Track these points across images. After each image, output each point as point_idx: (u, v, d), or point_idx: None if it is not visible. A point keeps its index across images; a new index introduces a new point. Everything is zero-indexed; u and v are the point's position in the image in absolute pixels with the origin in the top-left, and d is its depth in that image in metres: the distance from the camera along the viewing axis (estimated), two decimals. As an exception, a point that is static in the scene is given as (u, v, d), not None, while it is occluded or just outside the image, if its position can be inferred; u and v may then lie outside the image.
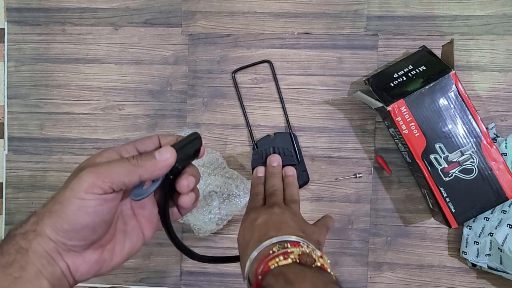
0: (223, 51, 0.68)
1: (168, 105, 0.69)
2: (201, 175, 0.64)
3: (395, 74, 0.60)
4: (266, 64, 0.67)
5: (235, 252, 0.42)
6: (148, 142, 0.35)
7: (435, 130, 0.56)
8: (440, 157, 0.57)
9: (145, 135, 0.69)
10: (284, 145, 0.65)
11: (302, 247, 0.35)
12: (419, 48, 0.64)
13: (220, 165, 0.65)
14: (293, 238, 0.37)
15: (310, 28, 0.67)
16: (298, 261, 0.34)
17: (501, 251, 0.58)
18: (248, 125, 0.67)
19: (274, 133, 0.67)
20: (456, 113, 0.56)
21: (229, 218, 0.65)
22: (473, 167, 0.56)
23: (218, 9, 0.68)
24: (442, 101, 0.56)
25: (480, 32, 0.65)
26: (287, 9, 0.67)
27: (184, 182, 0.34)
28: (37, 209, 0.31)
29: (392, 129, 0.60)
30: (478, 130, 0.56)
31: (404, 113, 0.56)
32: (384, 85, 0.60)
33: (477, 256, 0.62)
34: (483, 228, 0.62)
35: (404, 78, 0.59)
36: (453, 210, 0.57)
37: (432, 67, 0.58)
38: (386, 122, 0.63)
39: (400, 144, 0.61)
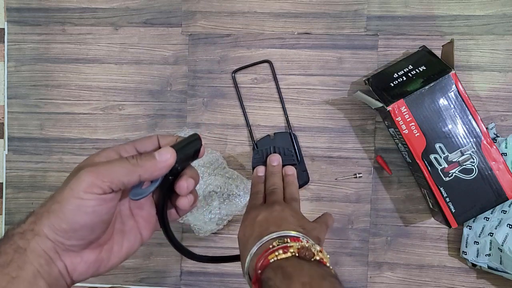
0: (223, 51, 0.68)
1: (168, 105, 0.69)
2: (201, 175, 0.64)
3: (395, 74, 0.60)
4: (266, 64, 0.67)
5: (236, 252, 0.42)
6: (147, 142, 0.35)
7: (435, 130, 0.56)
8: (440, 157, 0.57)
9: (145, 135, 0.69)
10: (284, 145, 0.65)
11: (301, 242, 0.36)
12: (419, 48, 0.63)
13: (220, 165, 0.65)
14: (293, 233, 0.37)
15: (310, 28, 0.67)
16: (297, 255, 0.34)
17: (501, 251, 0.58)
18: (248, 125, 0.67)
19: (274, 133, 0.67)
20: (456, 113, 0.56)
21: (229, 218, 0.65)
22: (473, 167, 0.56)
23: (218, 9, 0.68)
24: (442, 101, 0.56)
25: (480, 32, 0.65)
26: (287, 9, 0.67)
27: (184, 184, 0.34)
28: (35, 209, 0.31)
29: (392, 129, 0.60)
30: (478, 130, 0.56)
31: (404, 113, 0.56)
32: (384, 85, 0.60)
33: (477, 256, 0.62)
34: (483, 228, 0.62)
35: (404, 78, 0.59)
36: (453, 210, 0.57)
37: (432, 67, 0.58)
38: (386, 122, 0.63)
39: (400, 144, 0.61)
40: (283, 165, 0.55)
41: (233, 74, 0.67)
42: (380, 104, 0.57)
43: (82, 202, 0.29)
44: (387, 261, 0.67)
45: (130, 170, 0.31)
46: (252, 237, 0.39)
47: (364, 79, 0.65)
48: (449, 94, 0.56)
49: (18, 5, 0.70)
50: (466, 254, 0.63)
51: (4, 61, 0.71)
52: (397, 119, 0.56)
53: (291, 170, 0.54)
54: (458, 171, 0.57)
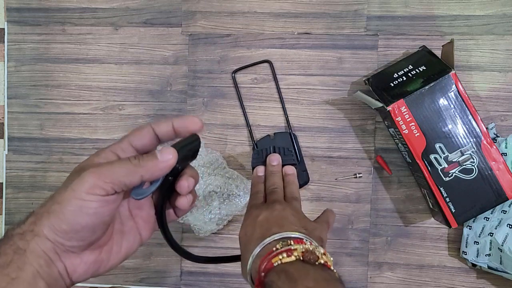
0: (223, 51, 0.68)
1: (168, 105, 0.69)
2: (201, 175, 0.64)
3: (395, 74, 0.60)
4: (266, 64, 0.67)
5: (236, 252, 0.42)
6: (142, 135, 0.34)
7: (435, 130, 0.56)
8: (440, 157, 0.57)
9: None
10: (284, 145, 0.65)
11: (305, 244, 0.35)
12: (419, 48, 0.63)
13: (220, 165, 0.65)
14: (296, 234, 0.37)
15: (310, 28, 0.67)
16: (301, 258, 0.34)
17: (501, 251, 0.58)
18: (248, 125, 0.67)
19: (274, 133, 0.67)
20: (456, 113, 0.56)
21: (229, 218, 0.65)
22: (473, 167, 0.56)
23: (218, 9, 0.68)
24: (442, 101, 0.56)
25: (480, 32, 0.65)
26: (287, 9, 0.67)
27: (185, 183, 0.34)
28: (34, 209, 0.31)
29: (392, 129, 0.60)
30: (478, 130, 0.56)
31: (404, 113, 0.56)
32: (384, 85, 0.60)
33: (477, 256, 0.62)
34: (483, 228, 0.62)
35: (404, 78, 0.59)
36: (453, 210, 0.57)
37: (432, 67, 0.58)
38: (386, 122, 0.63)
39: (400, 144, 0.61)
40: (283, 165, 0.55)
41: (233, 74, 0.67)
42: (380, 104, 0.57)
43: (84, 204, 0.29)
44: (387, 261, 0.67)
45: (132, 170, 0.31)
46: (254, 237, 0.39)
47: (364, 79, 0.65)
48: (449, 94, 0.56)
49: (18, 5, 0.70)
50: (466, 254, 0.63)
51: (4, 61, 0.71)
52: (397, 119, 0.56)
53: (291, 170, 0.54)
54: (458, 171, 0.57)
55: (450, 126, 0.56)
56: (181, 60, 0.69)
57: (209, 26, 0.68)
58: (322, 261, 0.34)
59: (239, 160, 0.68)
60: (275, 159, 0.55)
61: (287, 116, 0.67)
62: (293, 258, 0.33)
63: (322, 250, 0.35)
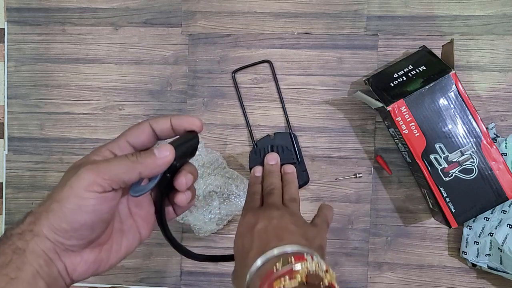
0: (223, 51, 0.68)
1: (168, 105, 0.69)
2: (201, 175, 0.64)
3: (395, 74, 0.60)
4: (266, 64, 0.67)
5: (235, 252, 0.42)
6: (139, 132, 0.34)
7: (435, 130, 0.56)
8: (440, 157, 0.57)
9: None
10: (284, 145, 0.65)
11: (306, 260, 0.33)
12: (419, 48, 0.63)
13: (220, 165, 0.65)
14: (296, 248, 0.35)
15: (310, 28, 0.67)
16: (305, 282, 0.32)
17: (501, 251, 0.58)
18: (248, 125, 0.67)
19: (274, 133, 0.67)
20: (456, 113, 0.56)
21: (229, 218, 0.65)
22: (473, 167, 0.56)
23: (218, 9, 0.68)
24: (442, 101, 0.56)
25: (480, 32, 0.65)
26: (287, 9, 0.67)
27: (183, 179, 0.34)
28: (33, 209, 0.31)
29: (392, 129, 0.60)
30: (478, 130, 0.56)
31: (404, 113, 0.56)
32: (384, 85, 0.60)
33: (477, 256, 0.62)
34: (483, 228, 0.62)
35: (404, 78, 0.59)
36: (453, 210, 0.57)
37: (432, 67, 0.58)
38: (386, 122, 0.63)
39: (400, 144, 0.61)
40: (282, 164, 0.53)
41: (233, 74, 0.67)
42: (380, 104, 0.57)
43: (83, 201, 0.29)
44: (387, 261, 0.67)
45: (130, 167, 0.31)
46: (251, 251, 0.37)
47: (364, 79, 0.65)
48: (449, 94, 0.56)
49: (18, 5, 0.70)
50: (466, 254, 0.63)
51: (4, 61, 0.71)
52: (397, 119, 0.56)
53: (290, 168, 0.52)
54: (458, 171, 0.57)
55: (450, 126, 0.56)
56: (181, 60, 0.69)
57: (209, 26, 0.68)
58: (326, 282, 0.32)
59: (239, 160, 0.68)
60: (273, 158, 0.53)
61: (287, 116, 0.67)
62: (296, 283, 0.31)
63: (324, 267, 0.33)
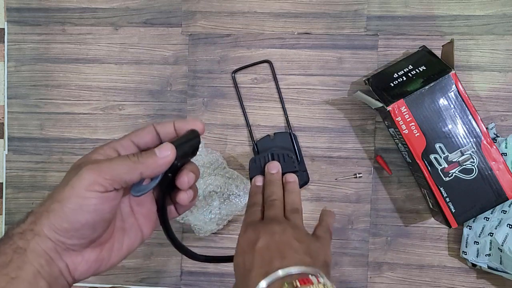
0: (223, 51, 0.68)
1: (168, 105, 0.69)
2: (201, 175, 0.64)
3: (395, 74, 0.60)
4: (266, 64, 0.67)
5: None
6: (144, 133, 0.34)
7: (435, 130, 0.56)
8: (440, 157, 0.57)
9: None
10: (284, 145, 0.65)
11: (312, 283, 0.32)
12: (419, 48, 0.64)
13: (220, 165, 0.65)
14: (301, 269, 0.33)
15: (310, 28, 0.67)
16: None
17: (501, 251, 0.58)
18: (248, 125, 0.67)
19: (274, 133, 0.67)
20: (456, 113, 0.56)
21: (230, 218, 0.65)
22: (473, 167, 0.56)
23: (218, 9, 0.68)
24: (442, 101, 0.56)
25: (480, 32, 0.65)
26: (287, 9, 0.67)
27: (185, 178, 0.34)
28: (34, 208, 0.31)
29: (392, 129, 0.60)
30: (478, 130, 0.56)
31: (404, 113, 0.56)
32: (384, 85, 0.60)
33: (477, 256, 0.62)
34: (483, 228, 0.62)
35: (404, 78, 0.59)
36: (453, 210, 0.57)
37: (432, 67, 0.58)
38: (386, 122, 0.63)
39: (400, 144, 0.61)
40: (283, 173, 0.50)
41: (233, 74, 0.67)
42: (380, 104, 0.57)
43: (84, 201, 0.29)
44: (387, 261, 0.67)
45: (131, 167, 0.31)
46: (253, 270, 0.35)
47: (364, 79, 0.65)
48: (449, 94, 0.56)
49: (18, 5, 0.70)
50: (466, 254, 0.63)
51: (4, 61, 0.71)
52: (397, 119, 0.56)
53: (292, 178, 0.49)
54: (458, 171, 0.57)
55: (450, 126, 0.56)
56: (181, 60, 0.69)
57: (209, 26, 0.68)
58: None
59: (239, 160, 0.68)
60: (274, 167, 0.51)
61: (287, 116, 0.67)
62: None
63: (329, 286, 0.32)
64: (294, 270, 0.33)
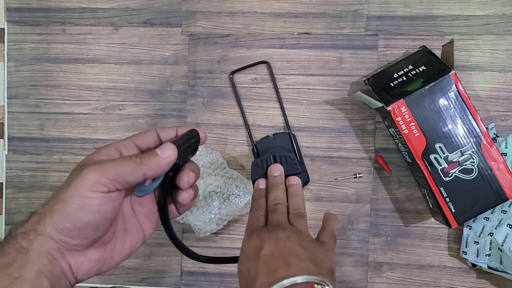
0: (223, 51, 0.68)
1: (168, 105, 0.69)
2: (201, 175, 0.64)
3: (395, 74, 0.60)
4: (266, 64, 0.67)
5: (235, 252, 0.42)
6: (146, 136, 0.35)
7: (435, 130, 0.56)
8: (440, 157, 0.57)
9: (145, 135, 0.69)
10: (283, 145, 0.65)
11: None
12: (419, 48, 0.64)
13: (220, 165, 0.65)
14: (306, 278, 0.33)
15: (310, 28, 0.67)
16: None
17: (501, 251, 0.58)
18: (247, 126, 0.67)
19: (273, 134, 0.67)
20: (456, 113, 0.56)
21: (230, 218, 0.65)
22: (473, 167, 0.56)
23: (218, 9, 0.68)
24: (442, 101, 0.56)
25: (480, 32, 0.65)
26: (287, 9, 0.67)
27: (185, 178, 0.35)
28: (37, 208, 0.31)
29: (392, 129, 0.60)
30: (478, 130, 0.56)
31: (404, 113, 0.56)
32: (384, 85, 0.60)
33: (477, 256, 0.62)
34: (483, 228, 0.62)
35: (404, 78, 0.59)
36: (453, 210, 0.57)
37: (432, 67, 0.58)
38: (386, 122, 0.63)
39: (400, 144, 0.61)
40: (286, 175, 0.50)
41: (231, 76, 0.67)
42: (380, 104, 0.57)
43: (87, 201, 0.29)
44: (387, 261, 0.67)
45: (134, 168, 0.31)
46: (258, 279, 0.34)
47: (364, 79, 0.65)
48: (449, 94, 0.56)
49: (18, 5, 0.70)
50: (466, 254, 0.63)
51: (4, 61, 0.71)
52: (397, 119, 0.56)
53: (295, 180, 0.49)
54: (458, 171, 0.57)
55: (450, 126, 0.56)
56: (181, 60, 0.69)
57: (209, 26, 0.68)
58: None
59: (239, 160, 0.68)
60: (276, 170, 0.50)
61: (286, 117, 0.67)
62: None
63: None
64: (299, 279, 0.33)
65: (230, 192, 0.63)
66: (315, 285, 0.32)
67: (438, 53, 0.61)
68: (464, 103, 0.56)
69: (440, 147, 0.56)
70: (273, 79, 0.67)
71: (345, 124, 0.67)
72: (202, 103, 0.68)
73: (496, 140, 0.63)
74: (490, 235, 0.61)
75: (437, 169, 0.57)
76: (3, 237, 0.30)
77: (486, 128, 0.56)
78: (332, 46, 0.67)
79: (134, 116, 0.69)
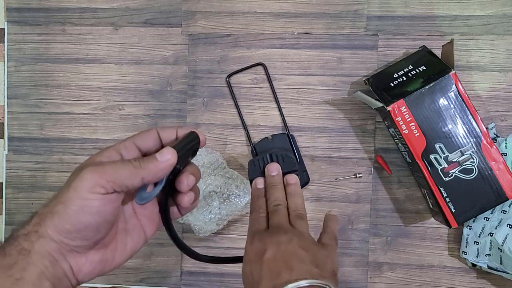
0: (223, 51, 0.68)
1: (168, 105, 0.69)
2: (201, 175, 0.64)
3: (395, 74, 0.60)
4: (266, 64, 0.67)
5: (235, 252, 0.42)
6: (147, 137, 0.35)
7: (435, 130, 0.56)
8: (440, 157, 0.57)
9: (145, 135, 0.69)
10: (282, 146, 0.65)
11: None
12: (419, 48, 0.64)
13: (220, 165, 0.65)
14: (309, 282, 0.33)
15: (310, 28, 0.67)
16: None
17: (501, 251, 0.58)
18: (245, 128, 0.67)
19: (272, 135, 0.67)
20: (456, 113, 0.56)
21: (229, 218, 0.65)
22: (473, 167, 0.56)
23: (218, 9, 0.68)
24: (442, 101, 0.56)
25: (480, 32, 0.65)
26: (287, 9, 0.67)
27: (184, 181, 0.34)
28: (38, 209, 0.31)
29: (392, 129, 0.60)
30: (478, 130, 0.56)
31: (404, 113, 0.56)
32: (384, 85, 0.60)
33: (477, 256, 0.62)
34: (483, 228, 0.62)
35: (404, 78, 0.59)
36: (453, 210, 0.57)
37: (432, 67, 0.58)
38: (386, 122, 0.63)
39: (400, 144, 0.61)
40: (284, 173, 0.50)
41: (228, 79, 0.67)
42: (380, 104, 0.57)
43: (86, 202, 0.29)
44: (387, 261, 0.67)
45: (133, 172, 0.31)
46: (262, 283, 0.35)
47: (364, 79, 0.65)
48: (449, 94, 0.56)
49: (18, 5, 0.70)
50: (466, 254, 0.63)
51: (4, 61, 0.71)
52: (397, 119, 0.56)
53: (293, 179, 0.48)
54: (458, 171, 0.57)
55: (450, 126, 0.56)
56: (181, 60, 0.69)
57: (209, 26, 0.68)
58: None
59: (239, 160, 0.68)
60: (274, 169, 0.50)
61: (284, 118, 0.67)
62: None
63: None
64: (303, 283, 0.33)
65: (230, 192, 0.63)
66: None
67: (438, 53, 0.61)
68: (464, 103, 0.56)
69: (440, 147, 0.56)
70: (270, 80, 0.67)
71: (345, 124, 0.67)
72: (202, 103, 0.68)
73: (496, 140, 0.63)
74: (490, 235, 0.61)
75: (437, 169, 0.57)
76: (4, 239, 0.30)
77: (486, 128, 0.56)
78: (332, 46, 0.67)
79: (134, 116, 0.69)
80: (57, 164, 0.70)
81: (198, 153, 0.37)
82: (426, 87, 0.56)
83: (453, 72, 0.55)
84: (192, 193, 0.36)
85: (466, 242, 0.63)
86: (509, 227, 0.59)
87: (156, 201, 0.37)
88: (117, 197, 0.31)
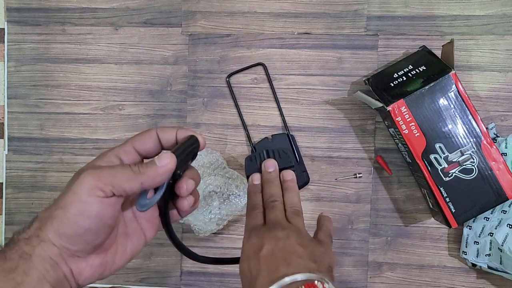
0: (223, 51, 0.68)
1: (168, 105, 0.69)
2: (201, 175, 0.64)
3: (395, 74, 0.60)
4: (267, 64, 0.67)
5: (235, 252, 0.42)
6: (146, 139, 0.35)
7: (435, 130, 0.56)
8: (440, 157, 0.57)
9: (145, 135, 0.68)
10: (282, 146, 0.65)
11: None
12: (419, 48, 0.64)
13: (220, 165, 0.65)
14: (306, 275, 0.34)
15: (310, 28, 0.67)
16: None
17: (501, 251, 0.58)
18: (245, 128, 0.67)
19: (272, 135, 0.67)
20: (456, 113, 0.56)
21: (229, 218, 0.65)
22: (473, 167, 0.56)
23: (218, 9, 0.68)
24: (442, 101, 0.56)
25: (480, 32, 0.65)
26: (287, 9, 0.67)
27: (183, 186, 0.34)
28: (38, 214, 0.31)
29: (392, 129, 0.60)
30: (478, 130, 0.56)
31: (404, 113, 0.56)
32: (384, 85, 0.60)
33: (477, 256, 0.62)
34: (483, 228, 0.62)
35: (404, 78, 0.59)
36: (453, 210, 0.57)
37: (432, 67, 0.58)
38: (386, 122, 0.63)
39: (400, 144, 0.61)
40: (280, 169, 0.50)
41: (228, 79, 0.67)
42: (380, 104, 0.57)
43: (85, 206, 0.29)
44: (387, 261, 0.67)
45: (132, 177, 0.31)
46: (259, 277, 0.35)
47: (364, 79, 0.65)
48: (449, 94, 0.56)
49: (18, 5, 0.70)
50: (466, 254, 0.63)
51: (4, 61, 0.71)
52: (397, 119, 0.56)
53: (289, 175, 0.49)
54: (458, 171, 0.57)
55: (450, 126, 0.56)
56: (181, 60, 0.69)
57: (209, 26, 0.68)
58: None
59: (239, 160, 0.68)
60: (270, 165, 0.50)
61: (284, 118, 0.67)
62: None
63: None
64: (300, 277, 0.33)
65: (230, 192, 0.63)
66: (316, 282, 0.33)
67: (438, 53, 0.61)
68: (464, 103, 0.56)
69: (440, 147, 0.56)
70: (270, 80, 0.67)
71: (345, 124, 0.67)
72: (202, 103, 0.68)
73: (496, 140, 0.63)
74: (490, 235, 0.61)
75: (437, 169, 0.57)
76: (5, 242, 0.31)
77: (486, 128, 0.56)
78: (332, 46, 0.67)
79: (134, 116, 0.69)
80: (57, 164, 0.70)
81: (197, 155, 0.37)
82: (426, 87, 0.56)
83: (453, 72, 0.55)
84: (191, 197, 0.36)
85: (466, 242, 0.63)
86: (509, 227, 0.59)
87: (156, 204, 0.37)
88: (116, 201, 0.31)
